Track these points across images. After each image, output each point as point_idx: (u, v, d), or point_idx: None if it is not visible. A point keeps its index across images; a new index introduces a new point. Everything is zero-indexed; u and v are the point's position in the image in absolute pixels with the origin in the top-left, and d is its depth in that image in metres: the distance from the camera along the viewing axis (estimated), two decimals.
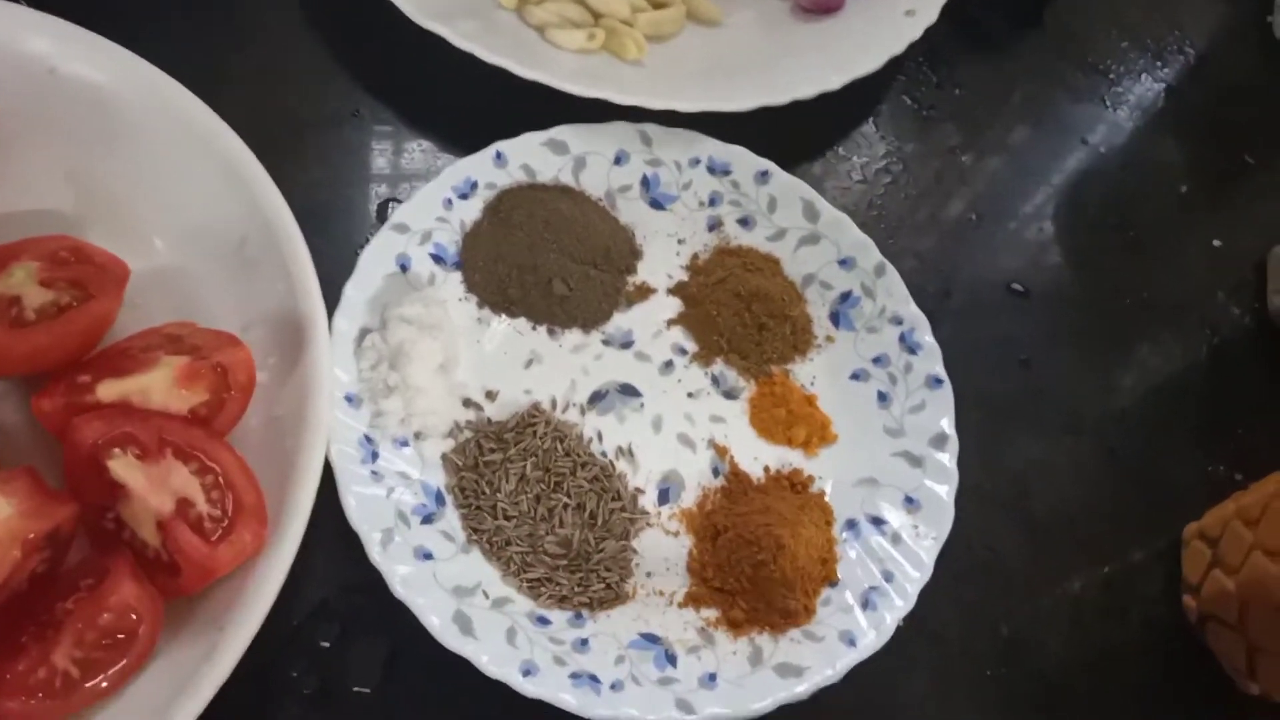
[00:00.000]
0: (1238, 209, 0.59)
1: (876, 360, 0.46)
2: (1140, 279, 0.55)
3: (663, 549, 0.42)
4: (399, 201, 0.47)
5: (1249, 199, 0.59)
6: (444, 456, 0.41)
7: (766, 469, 0.44)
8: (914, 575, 0.41)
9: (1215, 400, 0.53)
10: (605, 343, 0.46)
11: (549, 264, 0.45)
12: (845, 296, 0.47)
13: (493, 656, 0.37)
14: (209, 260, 0.43)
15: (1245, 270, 0.57)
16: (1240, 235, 0.58)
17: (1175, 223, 0.58)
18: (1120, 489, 0.49)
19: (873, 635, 0.39)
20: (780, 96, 0.49)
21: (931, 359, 0.46)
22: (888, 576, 0.41)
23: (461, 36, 0.47)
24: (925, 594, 0.41)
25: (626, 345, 0.46)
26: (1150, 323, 0.54)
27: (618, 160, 0.48)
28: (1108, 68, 0.62)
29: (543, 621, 0.39)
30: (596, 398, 0.44)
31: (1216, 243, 0.57)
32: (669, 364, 0.46)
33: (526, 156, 0.47)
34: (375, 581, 0.38)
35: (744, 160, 0.49)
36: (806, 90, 0.50)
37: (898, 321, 0.46)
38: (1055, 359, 0.52)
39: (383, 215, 0.48)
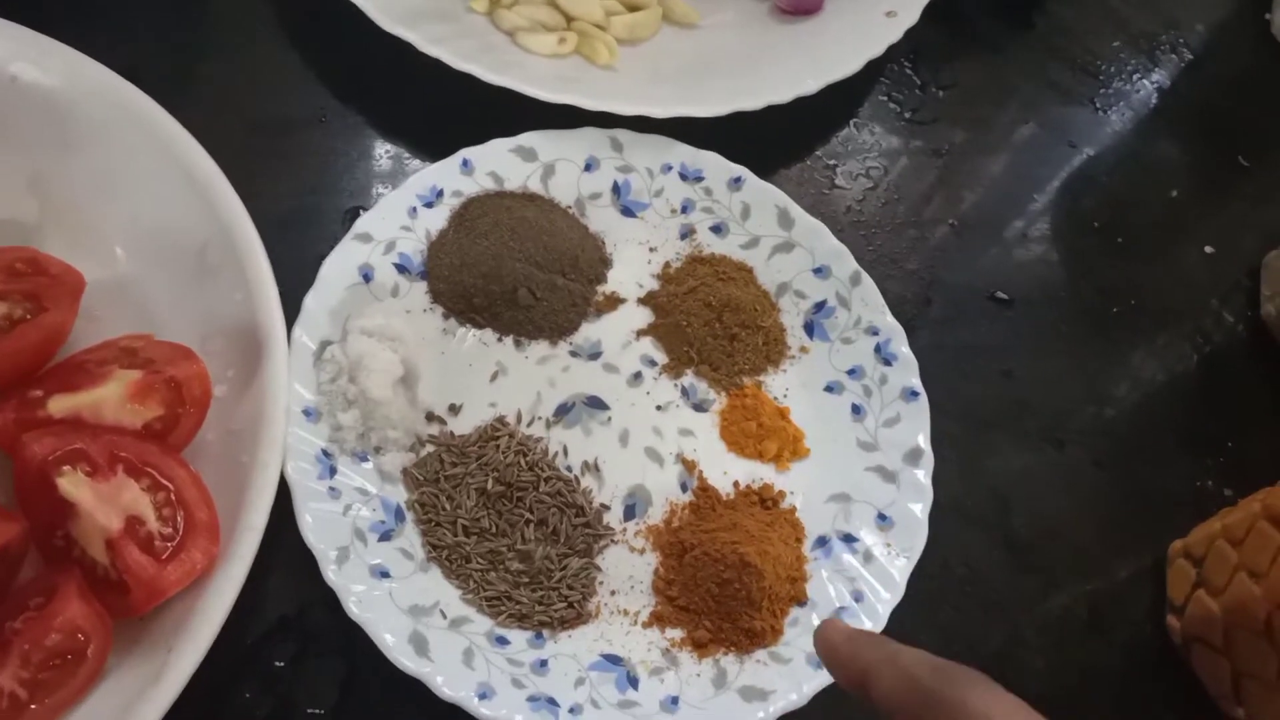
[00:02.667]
0: (1231, 213, 0.57)
1: (851, 372, 0.45)
2: (1129, 286, 0.54)
3: (627, 566, 0.41)
4: (364, 209, 0.46)
5: (1242, 203, 0.58)
6: (405, 471, 0.41)
7: (736, 484, 0.43)
8: (885, 596, 0.40)
9: (1206, 411, 0.51)
10: (573, 354, 0.45)
11: (515, 273, 0.44)
12: (820, 306, 0.46)
13: (448, 678, 0.36)
14: (169, 270, 0.42)
15: (1239, 276, 0.55)
16: (1233, 240, 0.56)
17: (1166, 228, 0.56)
18: (1106, 503, 0.48)
19: None
20: (755, 101, 0.48)
21: (907, 371, 0.44)
22: (858, 597, 0.40)
23: (429, 42, 0.46)
24: (899, 614, 0.40)
25: (594, 356, 0.45)
26: (1139, 331, 0.53)
27: (588, 167, 0.47)
28: (1098, 69, 0.61)
29: (502, 641, 0.38)
30: (562, 410, 0.43)
31: (1209, 248, 0.56)
32: (638, 376, 0.45)
33: (494, 163, 0.46)
34: (333, 600, 0.37)
35: (717, 166, 0.48)
36: (782, 94, 0.49)
37: (873, 332, 0.45)
38: (1039, 369, 0.50)
39: (349, 223, 0.47)
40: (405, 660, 0.36)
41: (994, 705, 0.22)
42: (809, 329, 0.46)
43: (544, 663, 0.37)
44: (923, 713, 0.23)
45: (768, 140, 0.51)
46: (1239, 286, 0.55)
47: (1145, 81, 0.61)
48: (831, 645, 0.25)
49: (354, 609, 0.36)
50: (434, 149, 0.48)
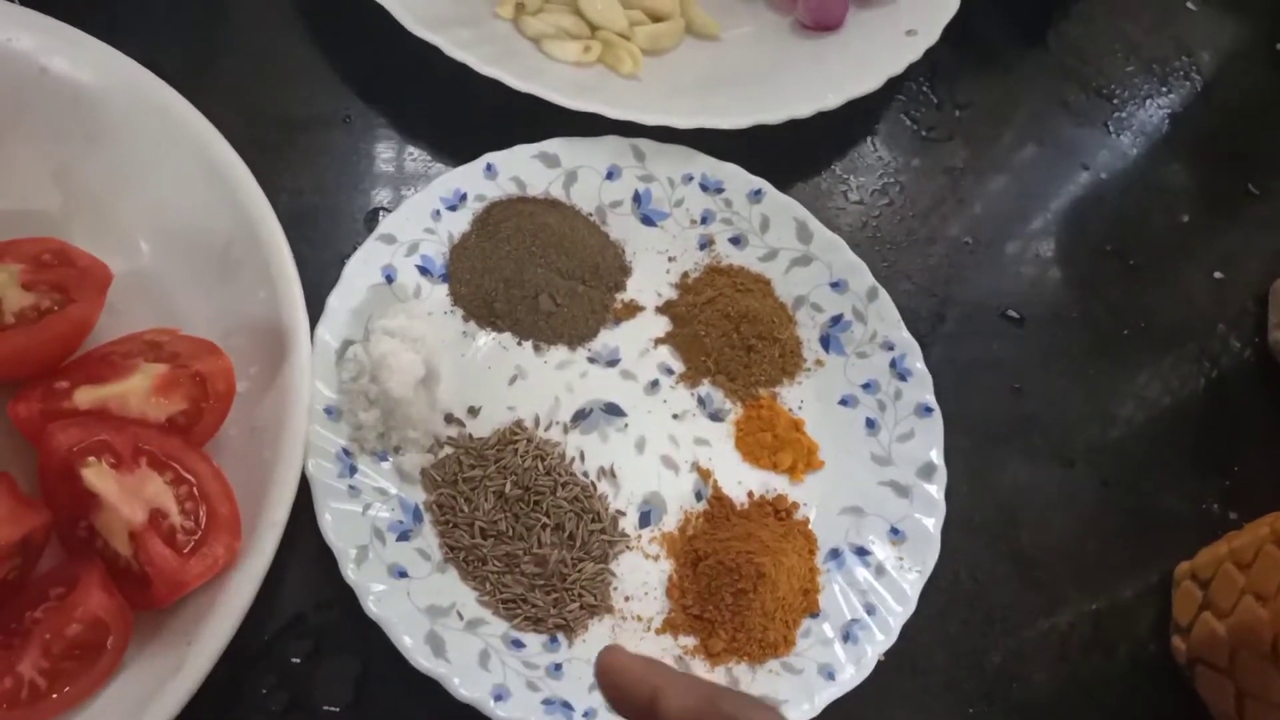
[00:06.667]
0: (1240, 240, 0.58)
1: (866, 386, 0.46)
2: (1138, 308, 0.54)
3: (642, 573, 0.41)
4: (387, 210, 0.46)
5: (1252, 230, 0.59)
6: (423, 472, 0.41)
7: (750, 494, 0.43)
8: (897, 609, 0.40)
9: (1212, 435, 0.52)
10: (591, 360, 0.45)
11: (536, 279, 0.45)
12: (836, 320, 0.47)
13: (465, 679, 0.36)
14: (193, 265, 0.43)
15: (1246, 302, 0.56)
16: (1242, 267, 0.57)
17: (1176, 252, 0.57)
18: (1112, 522, 0.48)
19: (852, 670, 0.39)
20: (777, 114, 0.49)
21: (922, 386, 0.45)
22: (870, 609, 0.40)
23: (456, 46, 0.47)
24: (908, 627, 0.41)
25: (612, 363, 0.45)
26: (1148, 353, 0.53)
27: (609, 175, 0.47)
28: (1112, 91, 0.62)
29: (517, 645, 0.38)
30: (580, 416, 0.44)
31: (1218, 274, 0.57)
32: (655, 384, 0.45)
33: (517, 169, 0.46)
34: (349, 598, 0.37)
35: (737, 178, 0.48)
36: (803, 109, 0.49)
37: (889, 347, 0.46)
38: (1049, 387, 0.51)
39: (371, 224, 0.47)
40: (423, 660, 0.36)
41: None
42: (825, 342, 0.47)
43: (559, 666, 0.38)
44: None
45: (786, 153, 0.51)
46: (1247, 312, 0.55)
47: (1157, 106, 0.62)
48: (619, 664, 0.25)
49: (373, 608, 0.36)
50: (456, 153, 0.48)
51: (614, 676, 0.25)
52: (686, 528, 0.42)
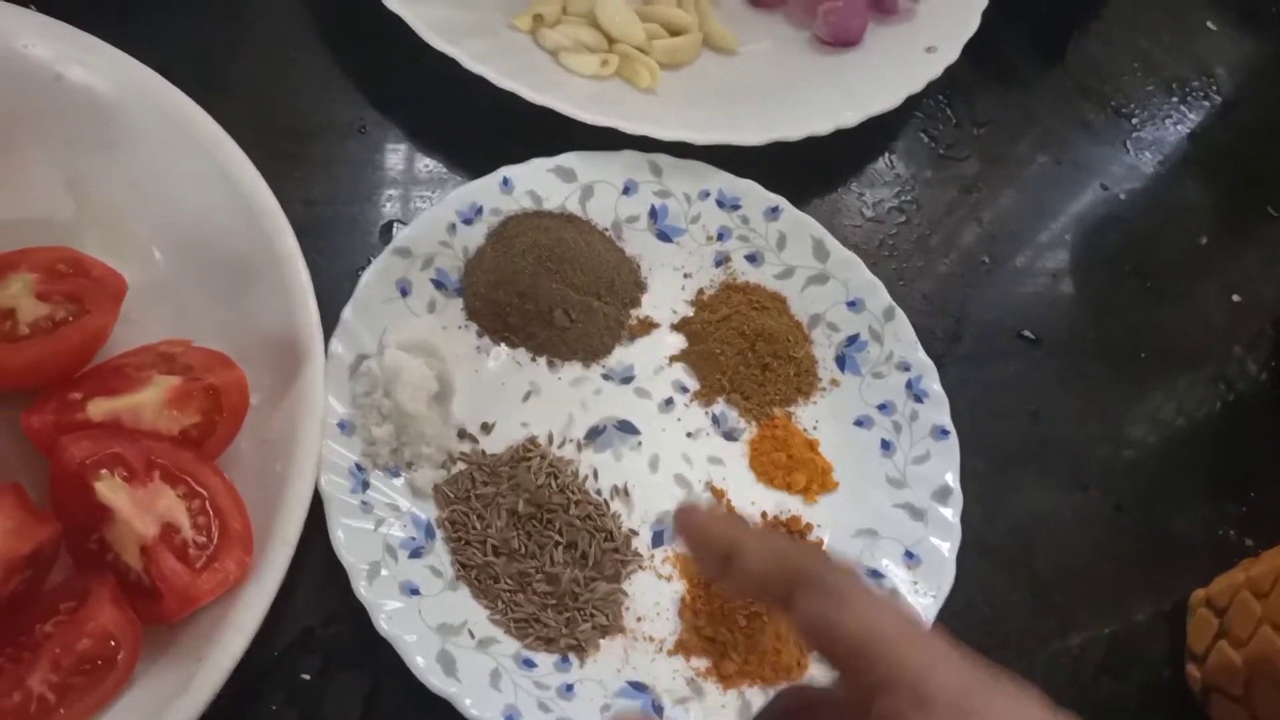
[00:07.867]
0: (1259, 262, 0.58)
1: (882, 407, 0.45)
2: (1155, 330, 0.54)
3: (654, 593, 0.41)
4: (403, 223, 0.46)
5: (1271, 252, 0.58)
6: (436, 488, 0.41)
7: (764, 515, 0.43)
8: None
9: (1228, 459, 0.51)
10: (605, 377, 0.45)
11: (551, 294, 0.44)
12: (852, 339, 0.46)
13: (476, 700, 0.36)
14: (207, 275, 0.42)
15: (1264, 326, 0.55)
16: (1260, 289, 0.56)
17: (1194, 274, 0.57)
18: (1126, 546, 0.48)
19: None
20: (795, 131, 0.48)
21: (938, 408, 0.45)
22: None
23: (473, 58, 0.47)
24: None
25: (627, 380, 0.45)
26: (1164, 376, 0.53)
27: (626, 190, 0.47)
28: (1130, 110, 0.61)
29: (528, 664, 0.38)
30: (594, 434, 0.43)
31: (1236, 296, 0.56)
32: (669, 402, 0.45)
33: (533, 183, 0.46)
34: (360, 614, 0.37)
35: (754, 195, 0.48)
36: (822, 126, 0.49)
37: (905, 368, 0.45)
38: (1064, 409, 0.50)
39: (386, 235, 0.47)
40: (434, 680, 0.36)
41: (844, 580, 0.23)
42: (840, 362, 0.46)
43: (570, 687, 0.37)
44: (793, 579, 0.24)
45: (802, 168, 0.51)
46: (1264, 335, 0.55)
47: (1176, 125, 0.62)
48: (699, 519, 0.25)
49: (384, 625, 0.36)
50: (472, 165, 0.48)
51: (696, 527, 0.25)
52: None
